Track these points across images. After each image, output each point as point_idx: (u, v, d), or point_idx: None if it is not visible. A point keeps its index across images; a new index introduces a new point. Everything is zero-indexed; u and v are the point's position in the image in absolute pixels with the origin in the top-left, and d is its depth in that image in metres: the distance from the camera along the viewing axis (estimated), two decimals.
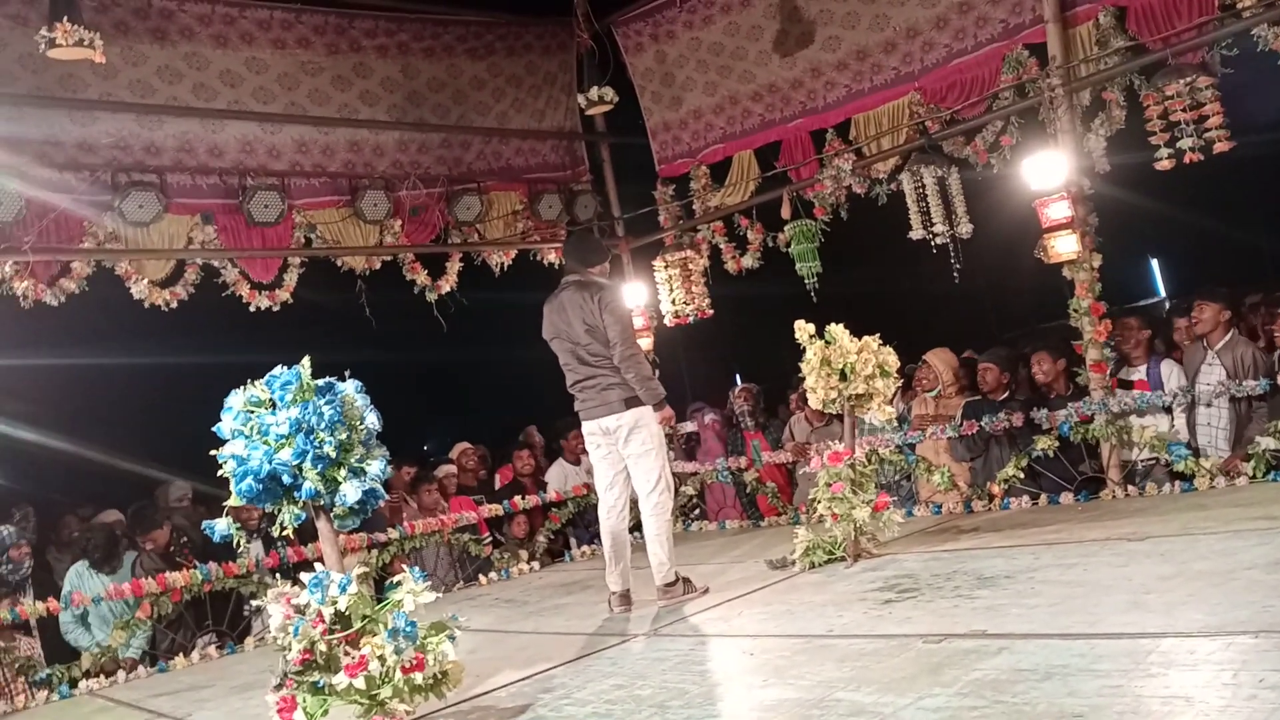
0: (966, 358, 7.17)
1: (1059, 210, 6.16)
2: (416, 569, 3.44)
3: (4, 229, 5.99)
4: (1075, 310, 6.24)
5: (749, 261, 8.00)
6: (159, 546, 6.43)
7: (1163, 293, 16.08)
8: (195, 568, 6.15)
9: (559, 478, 8.24)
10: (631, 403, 5.05)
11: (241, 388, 3.40)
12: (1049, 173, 6.18)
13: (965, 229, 6.68)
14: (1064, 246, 6.18)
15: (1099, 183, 6.30)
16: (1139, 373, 6.21)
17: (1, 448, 8.37)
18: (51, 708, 5.44)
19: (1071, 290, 6.31)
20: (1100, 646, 3.00)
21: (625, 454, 5.14)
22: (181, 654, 5.98)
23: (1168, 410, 6.04)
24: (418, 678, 3.25)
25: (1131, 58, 6.07)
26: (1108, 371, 6.16)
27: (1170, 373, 6.09)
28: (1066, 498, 6.11)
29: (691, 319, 8.32)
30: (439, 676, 3.35)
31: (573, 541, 8.02)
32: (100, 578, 6.15)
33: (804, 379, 5.41)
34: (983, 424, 6.39)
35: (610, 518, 5.20)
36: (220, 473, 3.35)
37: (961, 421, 6.53)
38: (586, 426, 5.19)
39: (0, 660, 5.64)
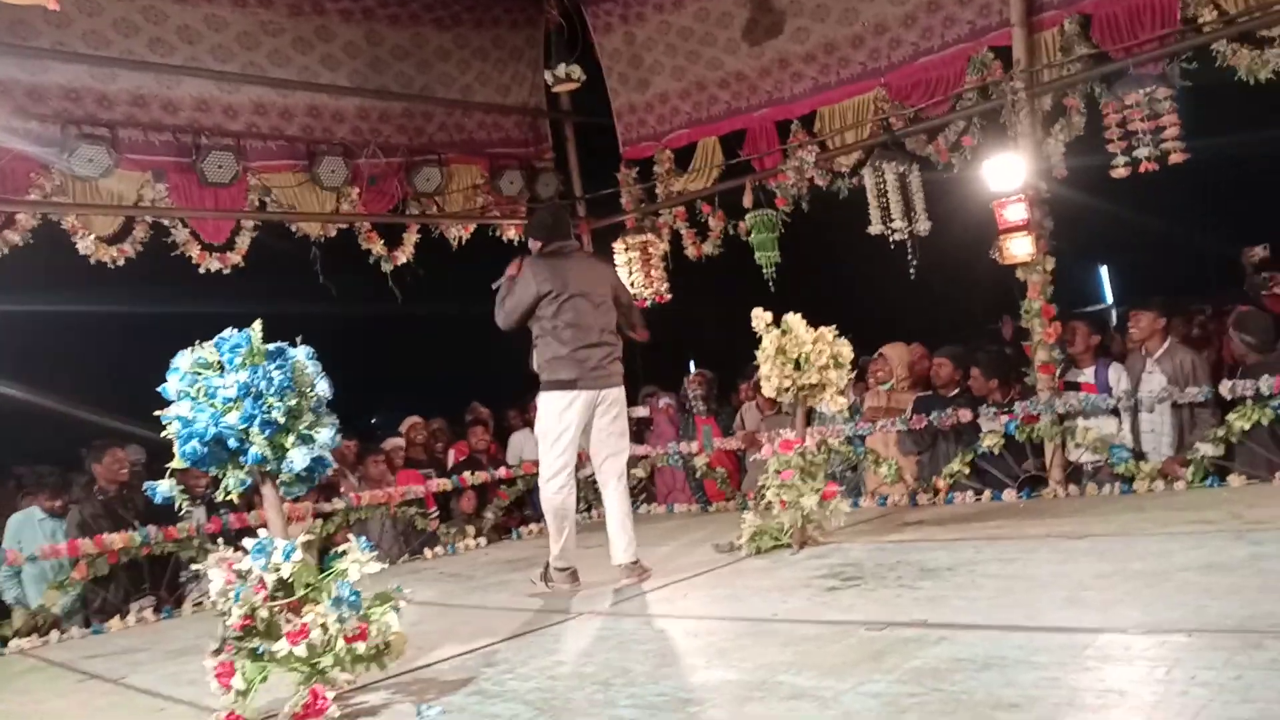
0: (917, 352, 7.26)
1: (1016, 212, 6.24)
2: (363, 539, 3.40)
3: None
4: (1027, 311, 6.34)
5: (709, 248, 8.02)
6: (116, 470, 6.26)
7: (1109, 299, 16.41)
8: (135, 528, 6.04)
9: (521, 446, 8.22)
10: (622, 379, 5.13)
11: (189, 349, 3.32)
12: (1008, 174, 6.26)
13: (924, 226, 6.76)
14: (1019, 248, 6.27)
15: (1056, 187, 6.40)
16: (1086, 375, 6.33)
17: None
18: None
19: (1024, 292, 6.40)
20: (1038, 639, 3.06)
21: (609, 430, 5.07)
22: (117, 616, 5.87)
23: (1114, 413, 6.16)
24: (360, 647, 3.22)
25: (1093, 66, 6.17)
26: (1056, 373, 6.27)
27: (1119, 376, 6.21)
28: (1010, 495, 6.22)
29: (649, 303, 8.31)
30: (381, 647, 3.32)
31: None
32: (48, 524, 6.02)
33: (758, 367, 5.43)
34: (931, 419, 6.48)
35: (567, 489, 5.04)
36: (164, 434, 3.28)
37: (911, 415, 6.61)
38: (584, 395, 4.97)
39: None
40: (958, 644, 3.11)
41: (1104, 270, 16.55)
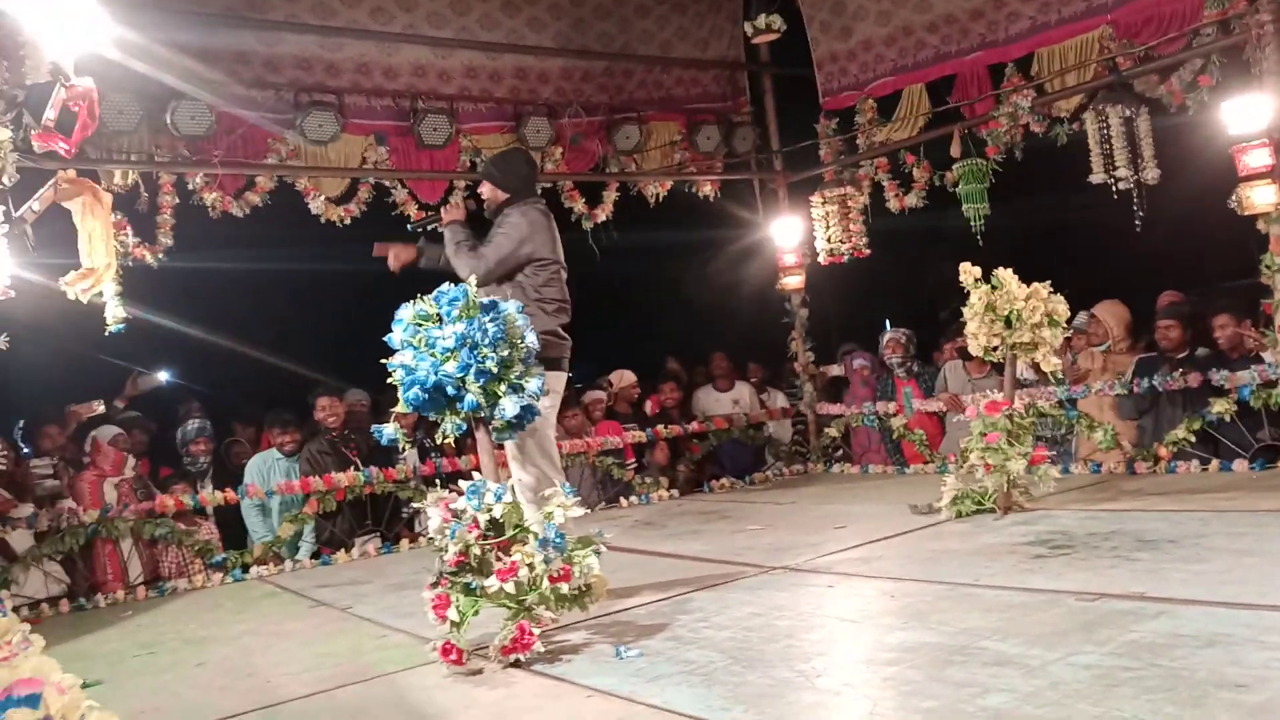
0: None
1: (1259, 158, 5.68)
2: (568, 484, 3.54)
3: (196, 142, 6.38)
4: (1268, 267, 5.80)
5: (913, 200, 7.73)
6: (328, 415, 6.75)
7: None
8: (358, 467, 6.52)
9: (704, 403, 8.33)
10: None
11: (411, 302, 3.55)
12: (1250, 116, 5.70)
13: (1152, 174, 6.26)
14: (1261, 198, 5.72)
15: None
16: None
17: (182, 348, 8.98)
18: (226, 589, 5.90)
19: (1264, 245, 5.85)
20: (1269, 618, 2.84)
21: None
22: (343, 549, 6.38)
23: None
24: (563, 588, 3.37)
25: None
26: None
27: None
28: (1241, 465, 5.76)
29: (846, 258, 8.12)
30: (583, 589, 3.46)
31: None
32: (283, 464, 6.62)
33: (963, 325, 5.24)
34: (1154, 382, 6.06)
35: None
36: (389, 380, 3.52)
37: (1133, 378, 6.21)
38: (562, 377, 4.57)
39: (182, 542, 6.15)
40: (1179, 619, 2.93)
41: None
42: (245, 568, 6.19)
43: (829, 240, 8.06)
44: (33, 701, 2.08)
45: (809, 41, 8.44)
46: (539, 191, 4.94)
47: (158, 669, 3.99)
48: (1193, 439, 6.01)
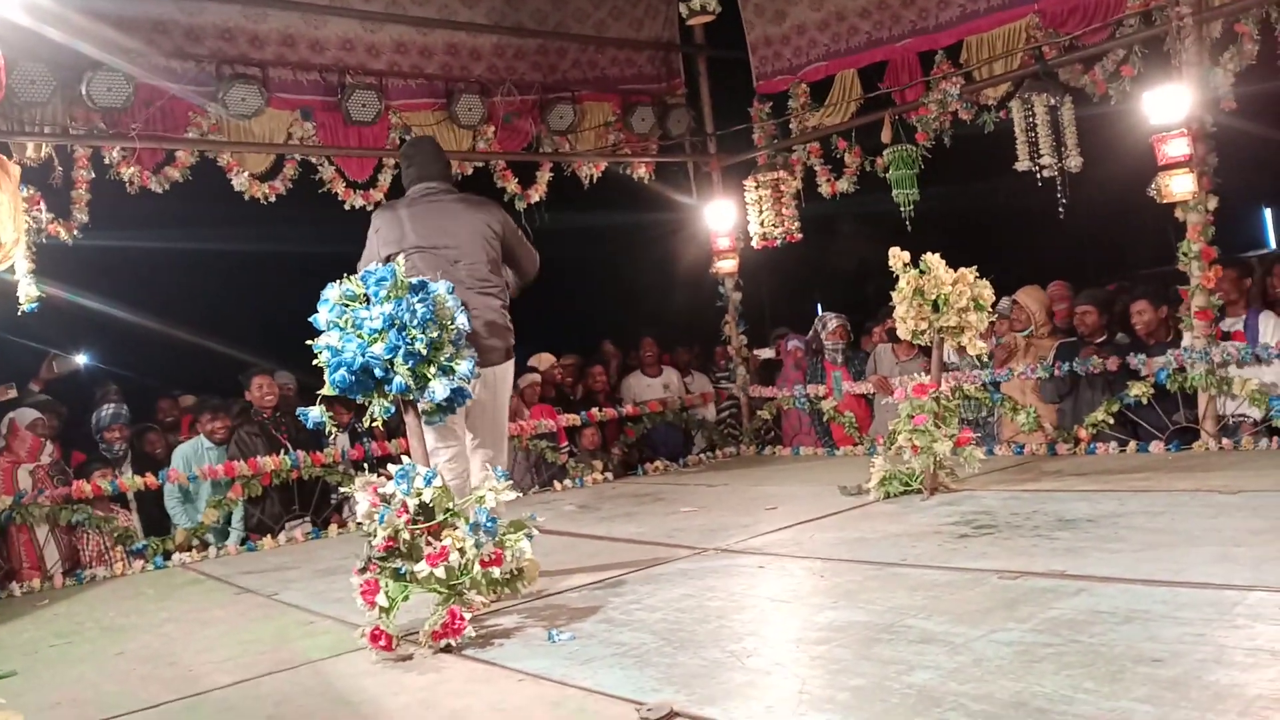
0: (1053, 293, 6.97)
1: (1177, 147, 5.85)
2: (499, 468, 3.51)
3: (113, 114, 6.14)
4: (1185, 254, 5.98)
5: (844, 185, 7.80)
6: (264, 395, 6.62)
7: (1274, 244, 15.30)
8: (288, 451, 6.39)
9: (635, 389, 8.33)
10: (510, 352, 4.53)
11: (337, 281, 3.47)
12: (1170, 107, 5.86)
13: (1075, 162, 6.40)
14: (1179, 186, 5.90)
15: (1223, 120, 5.98)
16: (1236, 324, 5.96)
17: (99, 328, 8.70)
18: (147, 576, 5.74)
19: (1182, 233, 6.04)
20: (1184, 595, 2.94)
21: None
22: (269, 535, 6.25)
23: (1267, 363, 5.79)
24: (495, 572, 3.35)
25: None
26: (1212, 319, 5.92)
27: (1269, 325, 5.82)
28: (1157, 447, 5.95)
29: (779, 242, 8.17)
30: (515, 573, 3.44)
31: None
32: (213, 452, 6.46)
33: (892, 309, 5.31)
34: (1075, 366, 6.22)
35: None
36: (315, 362, 3.44)
37: (1054, 362, 6.36)
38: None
39: (100, 529, 5.97)
40: (1097, 596, 3.02)
41: (1268, 213, 15.40)
42: (167, 555, 6.04)
43: (762, 224, 8.10)
44: None
45: (743, 25, 8.45)
46: (449, 173, 4.78)
47: (75, 659, 3.87)
48: (1111, 421, 6.18)
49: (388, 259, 4.24)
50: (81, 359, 8.47)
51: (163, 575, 5.73)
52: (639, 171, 8.49)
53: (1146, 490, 4.74)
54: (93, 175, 6.16)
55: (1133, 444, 6.06)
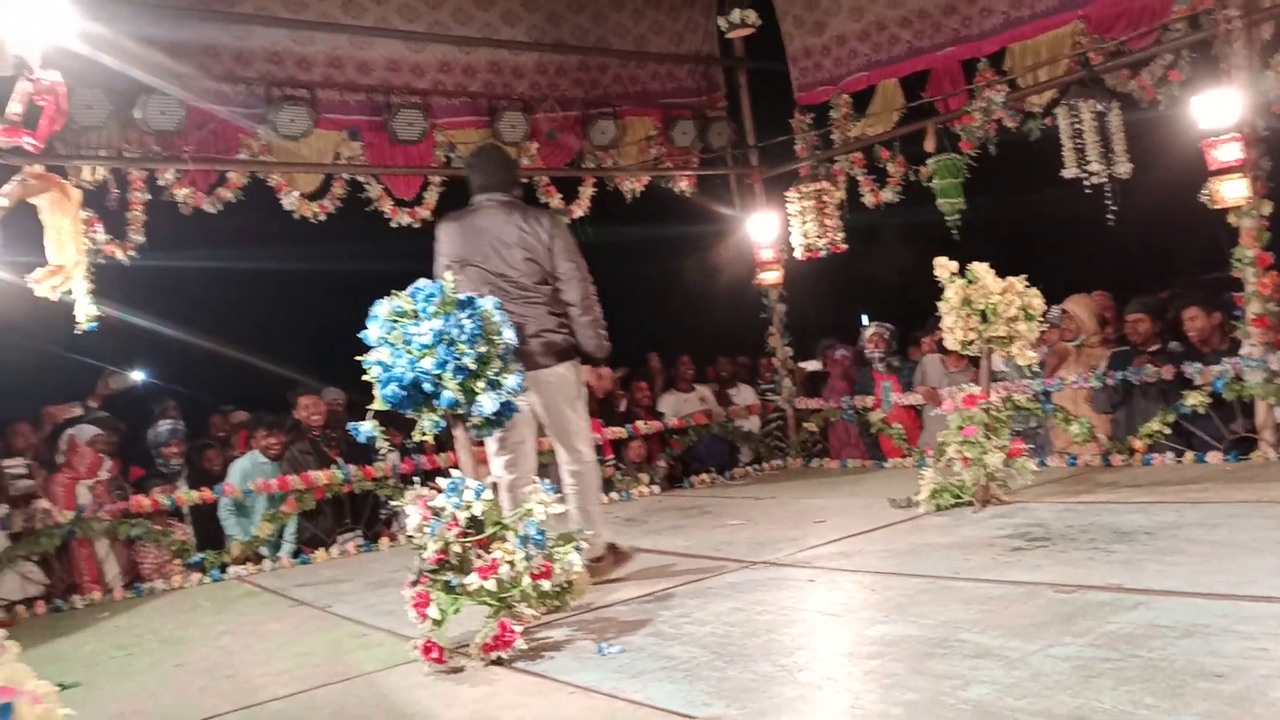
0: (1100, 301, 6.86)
1: (1229, 152, 5.75)
2: (547, 481, 3.53)
3: (167, 137, 6.29)
4: (1239, 260, 5.87)
5: (888, 195, 7.76)
6: (310, 413, 6.70)
7: None
8: (339, 466, 6.47)
9: (673, 405, 8.33)
10: (566, 354, 4.46)
11: (386, 298, 3.52)
12: (1220, 111, 5.76)
13: (1124, 169, 6.31)
14: (1232, 191, 5.79)
15: (1275, 123, 5.87)
16: None
17: (153, 346, 8.88)
18: (204, 589, 5.85)
19: (1235, 239, 5.93)
20: (1246, 608, 2.88)
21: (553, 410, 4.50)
22: (323, 549, 6.33)
23: None
24: (545, 584, 3.36)
25: None
26: (1269, 326, 5.79)
27: None
28: (1214, 457, 5.83)
29: (823, 253, 8.13)
30: (565, 585, 3.45)
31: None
32: (268, 466, 6.57)
33: (940, 319, 5.26)
34: (1129, 375, 6.12)
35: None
36: (365, 378, 3.49)
37: (1107, 371, 6.26)
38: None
39: (159, 542, 6.09)
40: (1156, 609, 2.96)
41: None
42: (223, 568, 6.15)
43: (805, 235, 8.06)
44: (4, 712, 2.04)
45: (782, 36, 8.45)
46: (511, 182, 4.63)
47: (135, 670, 3.95)
48: (1167, 431, 6.07)
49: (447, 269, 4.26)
50: (138, 375, 8.65)
51: (219, 588, 5.83)
52: (681, 185, 8.51)
53: (1204, 502, 4.64)
54: (148, 197, 6.32)
55: (1189, 454, 5.94)
